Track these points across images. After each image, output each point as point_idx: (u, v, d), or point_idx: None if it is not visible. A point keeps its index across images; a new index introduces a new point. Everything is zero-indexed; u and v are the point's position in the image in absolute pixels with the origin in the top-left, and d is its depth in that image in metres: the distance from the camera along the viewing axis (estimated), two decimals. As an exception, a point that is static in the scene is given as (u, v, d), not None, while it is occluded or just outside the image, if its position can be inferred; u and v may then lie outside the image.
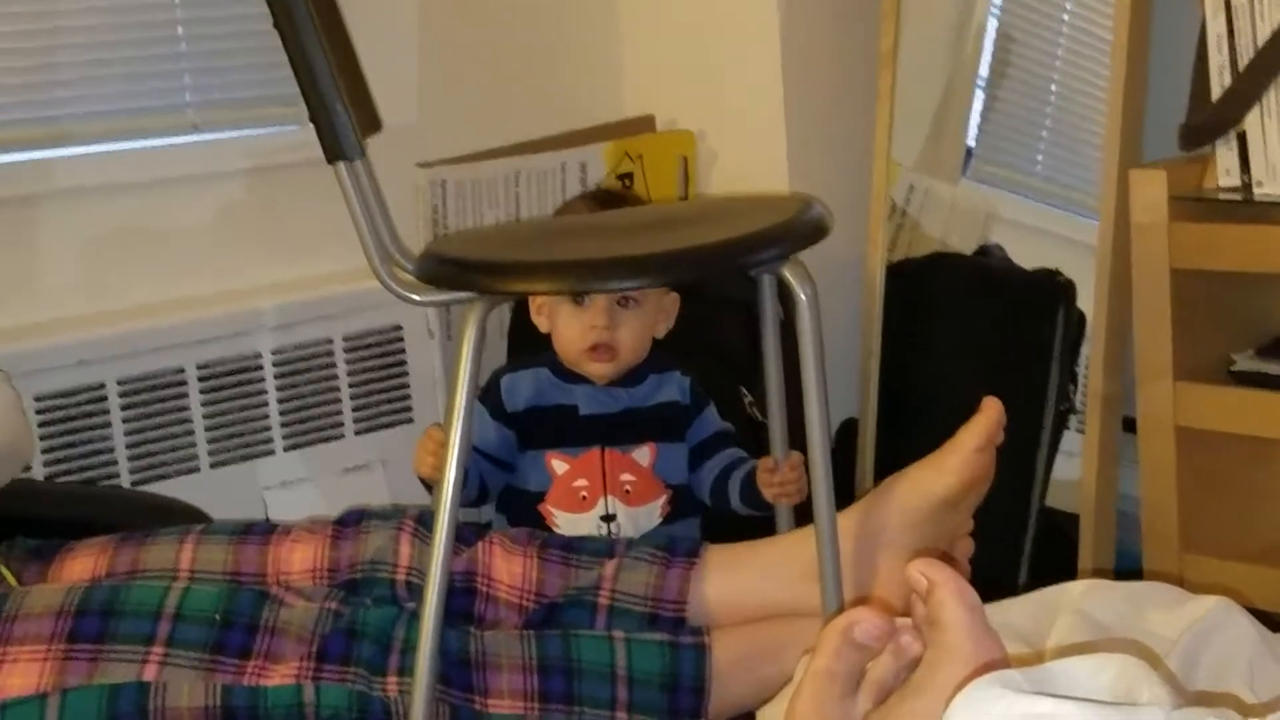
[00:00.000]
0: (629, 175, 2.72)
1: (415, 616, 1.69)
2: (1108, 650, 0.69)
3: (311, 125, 1.59)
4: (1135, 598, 1.01)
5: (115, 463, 2.29)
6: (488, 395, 2.07)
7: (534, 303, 2.07)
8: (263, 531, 1.85)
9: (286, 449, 2.45)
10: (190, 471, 2.36)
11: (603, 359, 2.03)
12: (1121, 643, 0.93)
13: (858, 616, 0.80)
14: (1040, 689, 0.62)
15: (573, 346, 2.03)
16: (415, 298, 1.63)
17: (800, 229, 1.57)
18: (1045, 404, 2.45)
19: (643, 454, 2.07)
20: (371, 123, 1.70)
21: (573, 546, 1.85)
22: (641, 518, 2.06)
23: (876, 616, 0.80)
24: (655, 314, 2.07)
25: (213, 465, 2.38)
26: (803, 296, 1.54)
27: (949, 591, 0.77)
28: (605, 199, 2.25)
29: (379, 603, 1.75)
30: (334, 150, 1.57)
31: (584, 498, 2.05)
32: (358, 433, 2.51)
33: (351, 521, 1.86)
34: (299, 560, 1.82)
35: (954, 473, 1.76)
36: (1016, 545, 2.45)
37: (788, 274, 1.55)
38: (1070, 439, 2.46)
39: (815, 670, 0.80)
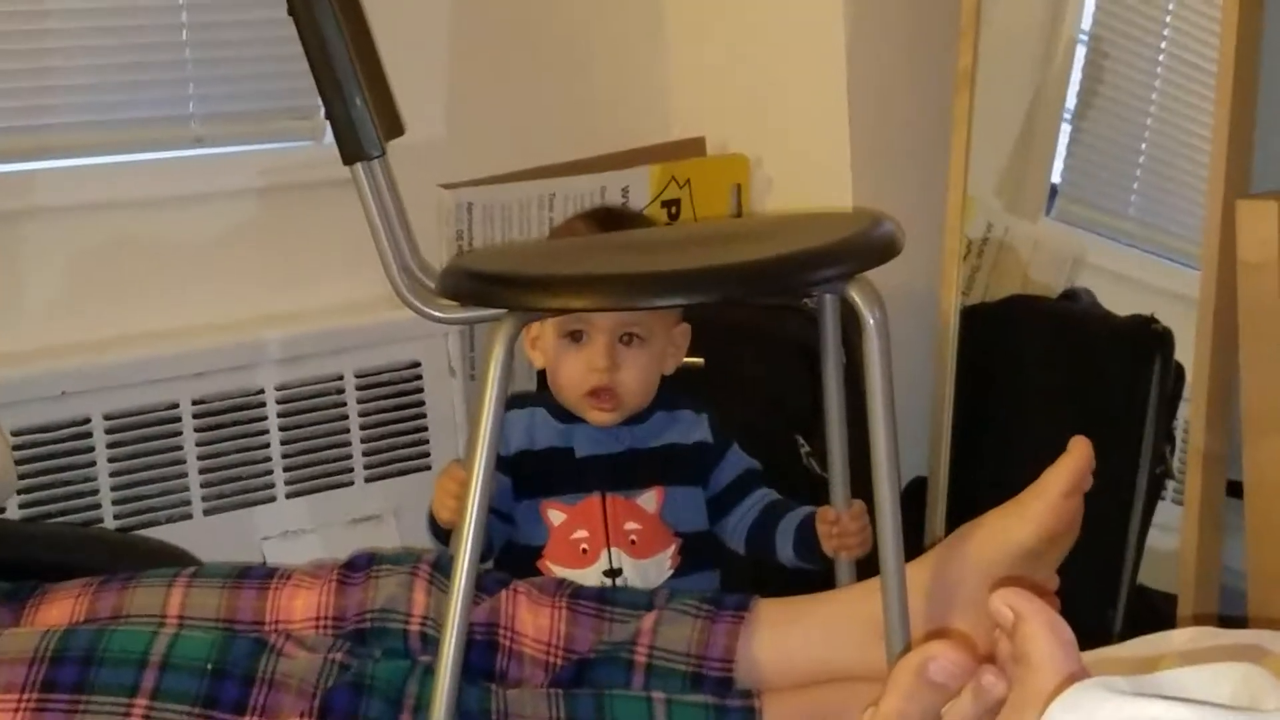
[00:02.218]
0: (675, 202, 2.71)
1: (430, 671, 1.66)
2: (1228, 660, 0.66)
3: (325, 142, 1.61)
4: (1245, 646, 0.99)
5: (99, 505, 2.28)
6: None
7: (528, 334, 2.02)
8: (261, 576, 1.83)
9: (289, 495, 2.44)
10: (182, 518, 2.35)
11: (605, 405, 1.99)
12: (1245, 650, 0.91)
13: (933, 652, 0.77)
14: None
15: (571, 390, 1.99)
16: (437, 314, 1.63)
17: (869, 245, 1.56)
18: (1138, 468, 2.42)
19: (648, 499, 2.04)
20: (393, 126, 1.71)
21: (607, 597, 1.82)
22: (650, 571, 2.02)
23: (954, 651, 0.77)
24: (663, 349, 2.03)
25: (207, 512, 2.37)
26: (871, 320, 1.53)
27: (1039, 624, 0.74)
28: (605, 218, 2.19)
29: (389, 655, 1.73)
30: (352, 149, 1.58)
31: (585, 551, 2.01)
32: (369, 480, 2.51)
33: (360, 565, 1.84)
34: (301, 607, 1.80)
35: (1037, 520, 1.73)
36: (1105, 628, 2.42)
37: (854, 294, 1.54)
38: (1166, 510, 2.43)
39: (885, 713, 0.78)
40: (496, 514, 2.02)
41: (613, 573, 2.00)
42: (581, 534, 2.02)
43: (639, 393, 2.01)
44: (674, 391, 2.09)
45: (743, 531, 2.06)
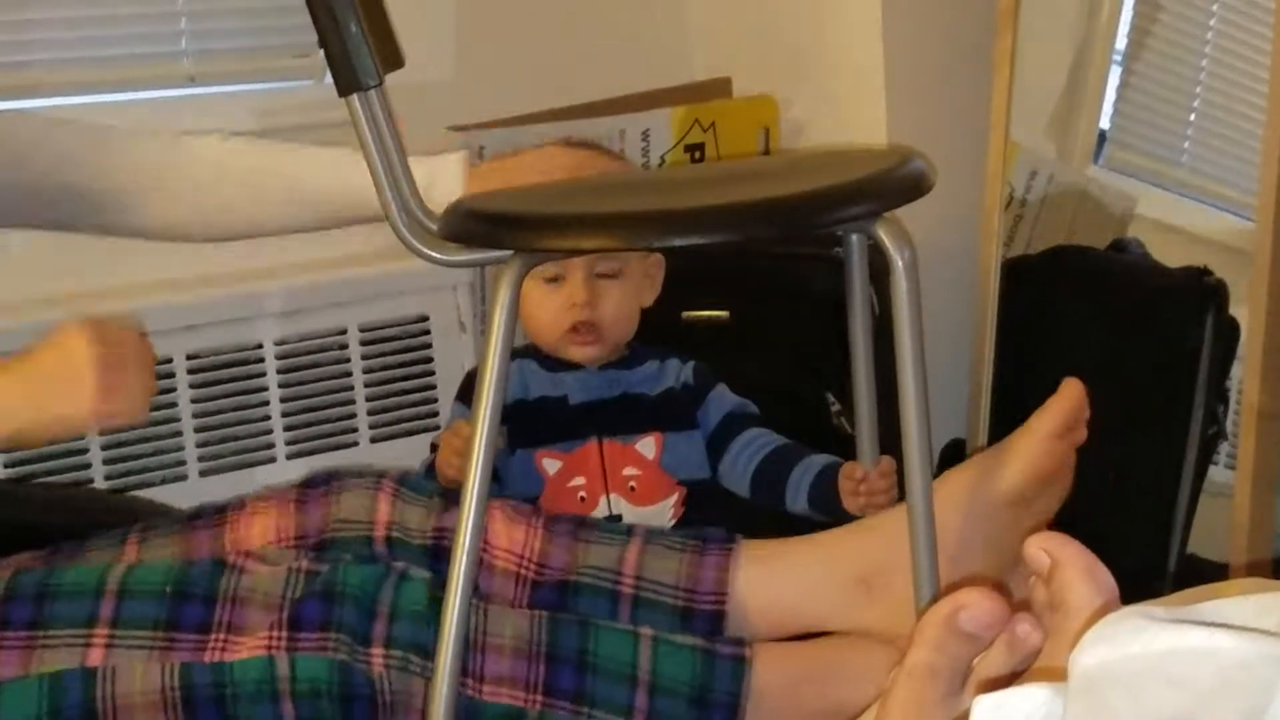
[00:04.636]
0: (699, 147, 2.70)
1: (404, 578, 1.68)
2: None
3: (326, 82, 1.60)
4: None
5: (89, 465, 2.29)
6: (468, 393, 2.06)
7: None
8: (214, 511, 1.83)
9: (290, 456, 2.44)
10: (176, 479, 2.35)
11: (586, 340, 2.03)
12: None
13: (964, 600, 0.75)
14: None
15: (550, 330, 2.04)
16: (438, 256, 1.63)
17: (897, 182, 1.55)
18: (1189, 428, 2.41)
19: (647, 445, 2.07)
20: (392, 56, 1.69)
21: (585, 523, 1.83)
22: (651, 520, 2.03)
23: (986, 599, 0.75)
24: (640, 283, 2.07)
25: (202, 473, 2.37)
26: (900, 261, 1.52)
27: (1077, 570, 0.73)
28: None
29: (360, 561, 1.73)
30: (347, 78, 1.56)
31: (582, 499, 2.04)
32: (374, 440, 2.51)
33: (319, 482, 1.83)
34: (259, 533, 1.80)
35: (1022, 461, 1.75)
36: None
37: (882, 234, 1.53)
38: (1219, 476, 2.42)
39: (913, 665, 0.76)
40: None
41: (612, 520, 2.02)
42: (579, 481, 2.04)
43: (619, 324, 2.05)
44: (665, 347, 2.12)
45: (746, 471, 2.07)
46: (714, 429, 2.09)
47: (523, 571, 1.77)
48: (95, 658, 1.62)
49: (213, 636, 1.64)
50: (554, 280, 2.02)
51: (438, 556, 1.71)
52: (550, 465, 2.04)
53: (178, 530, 1.81)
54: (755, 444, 2.06)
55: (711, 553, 1.77)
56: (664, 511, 2.05)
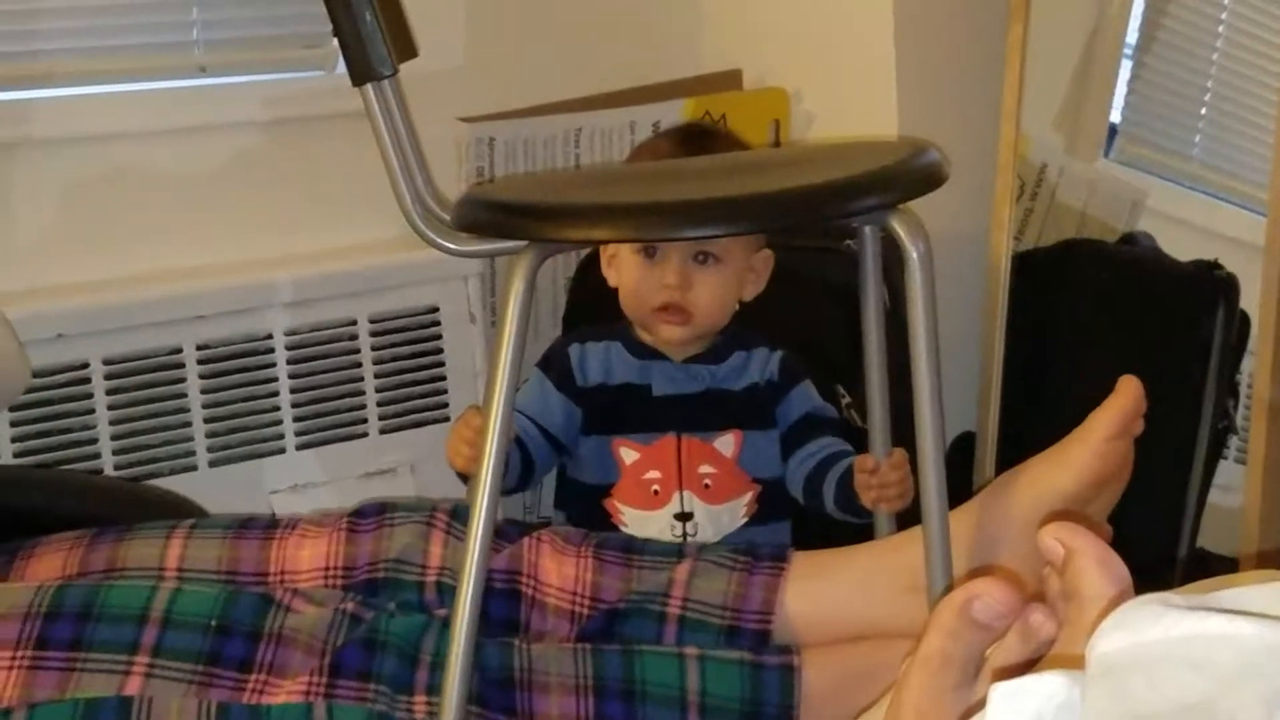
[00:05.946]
0: (709, 139, 2.69)
1: (448, 626, 1.66)
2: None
3: (337, 72, 1.61)
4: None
5: (98, 455, 2.27)
6: (554, 364, 2.08)
7: (605, 253, 2.07)
8: (264, 526, 1.83)
9: (299, 447, 2.43)
10: (186, 470, 2.34)
11: (674, 321, 2.01)
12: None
13: (978, 589, 0.76)
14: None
15: (642, 305, 2.02)
16: (452, 246, 1.63)
17: (912, 174, 1.55)
18: (1200, 422, 2.41)
19: (726, 442, 2.06)
20: (406, 46, 1.69)
21: (635, 546, 1.83)
22: (723, 517, 2.04)
23: (999, 589, 0.76)
24: (740, 274, 2.05)
25: (212, 464, 2.36)
26: (914, 253, 1.52)
27: (1091, 560, 0.73)
28: (689, 138, 2.21)
29: (404, 609, 1.72)
30: (362, 68, 1.57)
31: (656, 492, 2.04)
32: (384, 431, 2.50)
33: (370, 513, 1.83)
34: (308, 558, 1.79)
35: (1082, 466, 1.74)
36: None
37: (896, 225, 1.53)
38: (1229, 470, 2.42)
39: (926, 654, 0.76)
40: (550, 440, 2.05)
41: (684, 516, 2.03)
42: (654, 475, 2.04)
43: (711, 312, 2.03)
44: (750, 332, 2.12)
45: (800, 481, 2.07)
46: (789, 427, 2.09)
47: (577, 608, 1.77)
48: (133, 686, 1.62)
49: (253, 677, 1.64)
50: (651, 254, 2.00)
51: (487, 599, 1.68)
52: (628, 455, 2.05)
53: (224, 536, 1.81)
54: (814, 456, 2.06)
55: (760, 572, 1.77)
56: (736, 509, 2.06)
